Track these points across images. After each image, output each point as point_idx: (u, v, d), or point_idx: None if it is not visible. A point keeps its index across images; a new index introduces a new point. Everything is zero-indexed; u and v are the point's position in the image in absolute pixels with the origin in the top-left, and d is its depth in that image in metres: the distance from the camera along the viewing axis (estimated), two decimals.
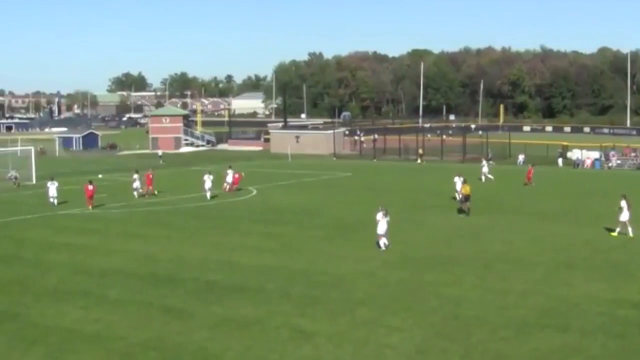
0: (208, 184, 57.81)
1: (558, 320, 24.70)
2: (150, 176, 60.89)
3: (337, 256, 35.70)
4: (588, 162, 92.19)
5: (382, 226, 37.35)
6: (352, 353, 21.91)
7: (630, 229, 39.74)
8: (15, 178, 69.54)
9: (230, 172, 63.42)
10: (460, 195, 50.03)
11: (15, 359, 21.79)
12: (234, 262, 34.46)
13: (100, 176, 60.90)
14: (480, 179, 69.09)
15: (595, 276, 31.11)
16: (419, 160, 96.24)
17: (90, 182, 54.04)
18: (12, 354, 22.12)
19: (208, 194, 57.69)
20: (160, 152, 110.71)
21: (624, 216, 40.02)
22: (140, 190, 58.43)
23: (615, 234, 40.20)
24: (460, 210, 49.25)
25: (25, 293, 29.23)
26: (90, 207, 52.39)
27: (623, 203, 40.24)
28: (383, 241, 37.36)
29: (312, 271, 32.48)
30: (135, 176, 59.73)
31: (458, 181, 53.37)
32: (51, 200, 54.45)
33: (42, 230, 44.38)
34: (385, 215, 37.49)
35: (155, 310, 26.56)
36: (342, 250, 37.10)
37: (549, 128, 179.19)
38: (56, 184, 55.18)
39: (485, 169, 70.86)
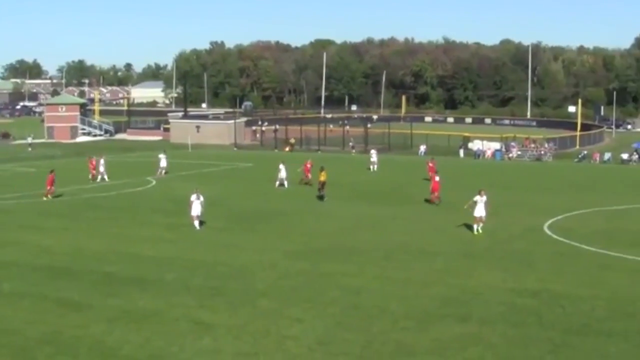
0: (101, 167, 62.68)
1: (458, 310, 24.93)
2: (94, 162, 63.81)
3: (238, 247, 35.46)
4: (489, 153, 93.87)
5: (195, 208, 39.79)
6: (252, 344, 21.71)
7: (476, 226, 38.88)
8: None
9: (163, 156, 67.64)
10: (318, 183, 51.57)
11: None
12: (133, 254, 33.92)
13: None
14: (369, 169, 71.02)
15: (495, 266, 31.55)
16: (287, 148, 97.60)
17: (52, 171, 52.63)
18: None
19: (99, 177, 62.43)
20: (29, 139, 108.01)
21: (479, 211, 38.71)
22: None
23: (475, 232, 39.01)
24: (320, 197, 50.62)
25: None
26: (49, 196, 51.54)
27: (477, 198, 38.92)
28: (197, 222, 39.68)
29: (212, 262, 32.16)
30: None
31: (282, 169, 58.10)
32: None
33: None
34: (198, 197, 39.91)
35: (51, 303, 25.91)
36: (243, 241, 36.85)
37: (450, 119, 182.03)
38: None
39: (374, 159, 72.01)
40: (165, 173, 66.04)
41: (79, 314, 24.58)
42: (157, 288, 27.88)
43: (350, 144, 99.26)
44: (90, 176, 62.71)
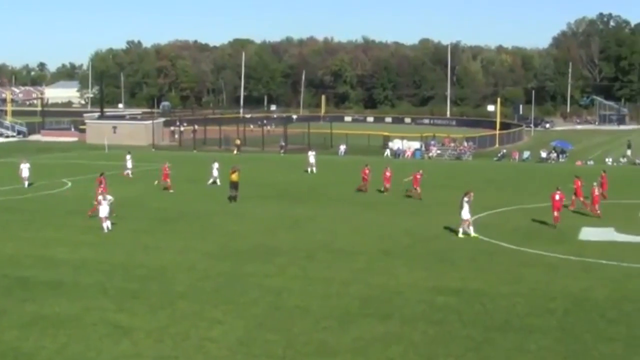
0: (25, 173, 57.91)
1: (380, 309, 24.90)
2: (166, 168, 58.11)
3: (157, 248, 34.94)
4: (409, 152, 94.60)
5: (104, 209, 39.17)
6: (172, 347, 21.36)
7: (461, 229, 38.06)
8: None
9: (129, 157, 66.18)
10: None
11: None
12: (48, 257, 33.14)
13: None
14: (307, 171, 69.90)
15: (416, 265, 31.63)
16: (235, 152, 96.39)
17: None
18: None
19: (26, 183, 57.61)
20: None
21: (465, 214, 37.64)
22: None
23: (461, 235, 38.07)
24: (230, 198, 49.94)
25: None
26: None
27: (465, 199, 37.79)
28: (107, 224, 39.10)
29: (130, 264, 31.61)
30: None
31: (215, 167, 58.67)
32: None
33: None
34: (105, 197, 39.73)
35: None
36: (162, 243, 36.32)
37: (370, 119, 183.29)
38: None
39: (312, 160, 71.26)
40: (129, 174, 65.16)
41: None
42: (73, 292, 27.25)
43: (282, 143, 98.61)
44: (159, 183, 57.85)
